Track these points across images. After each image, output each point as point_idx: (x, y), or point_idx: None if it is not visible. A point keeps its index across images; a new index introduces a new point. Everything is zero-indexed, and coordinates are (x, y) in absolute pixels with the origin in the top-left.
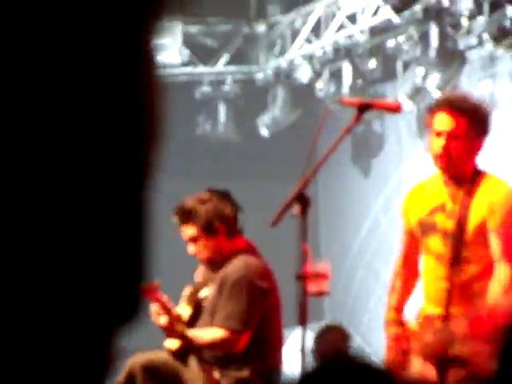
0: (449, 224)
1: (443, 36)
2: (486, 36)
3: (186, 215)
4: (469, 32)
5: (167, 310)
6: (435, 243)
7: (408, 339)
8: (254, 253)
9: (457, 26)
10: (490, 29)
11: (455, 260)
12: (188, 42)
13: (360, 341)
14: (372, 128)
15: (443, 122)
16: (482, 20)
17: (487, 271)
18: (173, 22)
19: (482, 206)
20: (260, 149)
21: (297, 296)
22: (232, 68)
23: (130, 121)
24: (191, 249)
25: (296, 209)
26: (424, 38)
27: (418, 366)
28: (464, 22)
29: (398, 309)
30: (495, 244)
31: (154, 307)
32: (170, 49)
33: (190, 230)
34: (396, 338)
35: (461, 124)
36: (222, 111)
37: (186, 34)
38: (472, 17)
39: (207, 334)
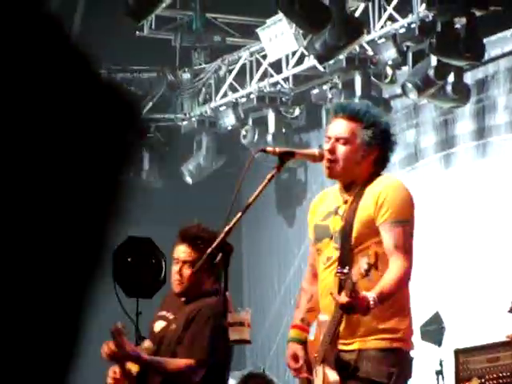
0: (339, 226)
1: (367, 84)
2: (409, 85)
3: (196, 240)
4: (393, 81)
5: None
6: (326, 247)
7: (310, 353)
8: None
9: (381, 75)
10: (414, 79)
11: (342, 260)
12: None
13: None
14: (296, 176)
15: (334, 126)
16: (405, 69)
17: (376, 268)
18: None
19: (369, 203)
20: (184, 196)
21: None
22: (156, 115)
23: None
24: (178, 269)
25: (219, 257)
26: (348, 86)
27: (320, 373)
28: (388, 71)
29: (301, 327)
30: (387, 238)
31: (106, 348)
32: None
33: (190, 254)
34: (293, 356)
35: (350, 128)
36: (146, 158)
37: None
38: (396, 66)
39: (173, 361)
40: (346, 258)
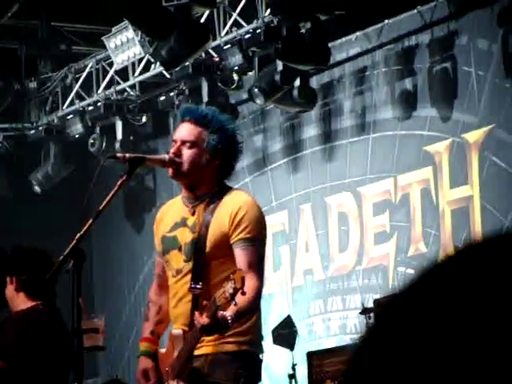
0: (189, 238)
1: (214, 91)
2: (255, 90)
3: None
4: (239, 87)
5: None
6: (174, 258)
7: (162, 367)
8: None
9: (227, 80)
10: (260, 84)
11: (196, 275)
12: None
13: None
14: (144, 183)
15: (180, 130)
16: (252, 75)
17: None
18: None
19: (224, 220)
20: (33, 205)
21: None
22: (3, 125)
23: None
24: None
25: (70, 263)
26: (195, 92)
27: None
28: (235, 76)
29: (151, 339)
30: (241, 257)
31: None
32: None
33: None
34: (143, 372)
35: (196, 131)
36: None
37: None
38: (242, 72)
39: None
40: (199, 273)
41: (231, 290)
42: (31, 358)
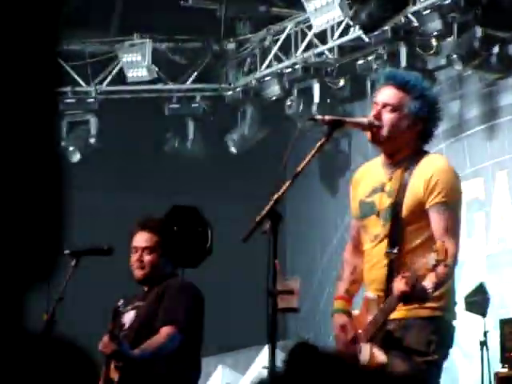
0: (386, 204)
1: (412, 56)
2: (454, 57)
3: (154, 225)
4: (438, 52)
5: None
6: (372, 223)
7: (355, 328)
8: None
9: (426, 46)
10: (459, 49)
11: (392, 240)
12: (157, 59)
13: None
14: (339, 147)
15: (382, 93)
16: (450, 41)
17: (425, 248)
18: (142, 39)
19: (419, 185)
20: (228, 166)
21: (266, 312)
22: (201, 85)
23: None
24: (138, 256)
25: (267, 225)
26: (393, 57)
27: (367, 352)
28: (433, 42)
29: (346, 298)
30: (437, 221)
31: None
32: (140, 66)
33: (150, 239)
34: (342, 328)
35: (398, 96)
36: (191, 128)
37: (156, 51)
38: (441, 37)
39: (153, 340)
40: (395, 237)
41: (433, 262)
42: (197, 326)
